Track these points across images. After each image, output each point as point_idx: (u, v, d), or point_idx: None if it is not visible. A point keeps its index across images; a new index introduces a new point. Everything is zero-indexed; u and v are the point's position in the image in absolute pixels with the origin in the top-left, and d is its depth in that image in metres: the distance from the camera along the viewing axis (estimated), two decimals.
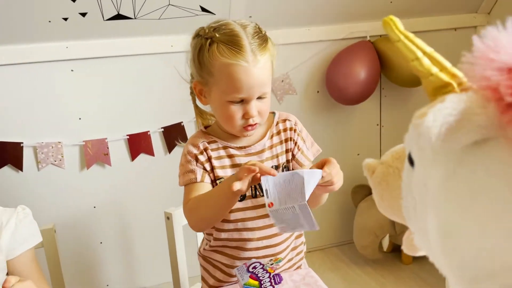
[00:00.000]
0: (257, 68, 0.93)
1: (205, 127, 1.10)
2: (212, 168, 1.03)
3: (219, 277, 1.10)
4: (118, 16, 1.78)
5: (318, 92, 2.20)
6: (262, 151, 1.05)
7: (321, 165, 0.91)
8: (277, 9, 1.99)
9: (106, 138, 1.92)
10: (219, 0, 1.86)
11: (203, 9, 1.87)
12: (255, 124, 0.99)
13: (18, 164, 1.83)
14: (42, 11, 1.70)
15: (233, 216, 1.03)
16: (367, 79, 2.03)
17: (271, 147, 1.07)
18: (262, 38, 0.97)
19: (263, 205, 1.02)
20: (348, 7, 2.09)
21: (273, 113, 1.11)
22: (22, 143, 1.82)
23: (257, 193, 1.03)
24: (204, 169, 1.03)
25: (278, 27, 1.97)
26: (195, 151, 1.03)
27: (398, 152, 0.52)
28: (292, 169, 1.07)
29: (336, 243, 2.41)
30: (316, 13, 2.07)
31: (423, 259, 0.50)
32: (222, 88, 0.96)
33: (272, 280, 0.90)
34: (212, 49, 0.94)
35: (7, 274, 0.99)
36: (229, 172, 1.03)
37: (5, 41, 1.74)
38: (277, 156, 1.06)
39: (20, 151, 1.82)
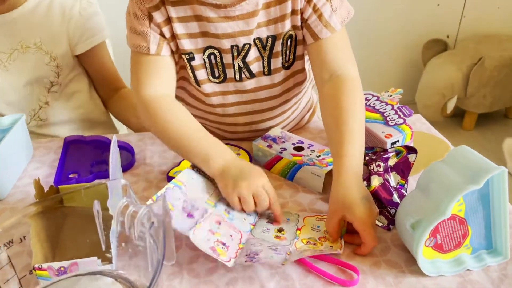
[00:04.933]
0: None
1: None
2: (174, 35, 0.68)
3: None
4: None
5: None
6: (252, 13, 0.67)
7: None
8: None
9: None
10: None
11: None
12: None
13: None
14: None
15: (209, 101, 0.76)
16: None
17: (267, 5, 0.68)
18: None
19: (249, 90, 0.75)
20: None
21: None
22: None
23: (243, 75, 0.73)
24: (162, 34, 0.68)
25: None
26: (147, 3, 0.66)
27: None
28: (303, 41, 0.72)
29: None
30: None
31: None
32: None
33: (400, 112, 0.74)
34: None
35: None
36: (200, 44, 0.69)
37: None
38: (275, 22, 0.69)
39: None
